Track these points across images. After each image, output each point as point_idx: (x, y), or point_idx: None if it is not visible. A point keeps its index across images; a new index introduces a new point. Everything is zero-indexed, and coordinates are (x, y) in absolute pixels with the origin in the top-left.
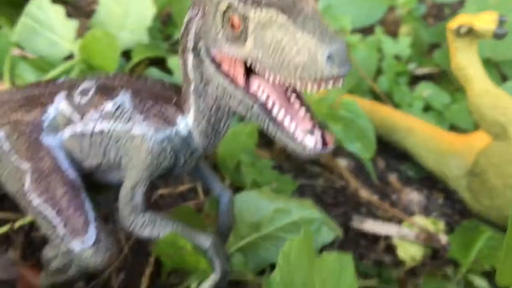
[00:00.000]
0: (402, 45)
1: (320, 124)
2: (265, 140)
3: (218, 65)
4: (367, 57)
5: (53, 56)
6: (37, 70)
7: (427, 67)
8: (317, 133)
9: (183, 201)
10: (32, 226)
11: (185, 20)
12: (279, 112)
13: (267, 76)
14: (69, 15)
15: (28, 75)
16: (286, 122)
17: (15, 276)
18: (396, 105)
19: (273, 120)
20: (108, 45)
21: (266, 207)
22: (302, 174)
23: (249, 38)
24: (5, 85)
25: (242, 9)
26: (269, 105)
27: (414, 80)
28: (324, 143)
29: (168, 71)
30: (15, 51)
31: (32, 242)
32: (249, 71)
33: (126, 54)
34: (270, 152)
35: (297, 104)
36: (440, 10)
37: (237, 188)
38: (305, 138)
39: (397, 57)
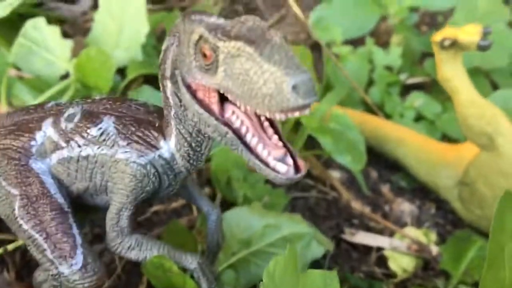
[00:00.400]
0: (393, 55)
1: (292, 151)
2: None
3: (193, 93)
4: (358, 69)
5: (50, 75)
6: (33, 90)
7: (419, 76)
8: (289, 159)
9: (177, 217)
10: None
11: (163, 48)
12: (252, 139)
13: (238, 105)
14: (67, 33)
15: (25, 95)
16: (259, 149)
17: None
18: (388, 116)
19: (247, 146)
20: (103, 64)
21: (256, 223)
22: (294, 187)
23: (220, 68)
24: (2, 106)
25: (212, 40)
26: (243, 132)
27: (406, 89)
28: (297, 170)
29: None
30: (12, 72)
31: (28, 263)
32: (223, 98)
33: (121, 72)
34: None
35: (270, 131)
36: (433, 18)
37: (229, 203)
38: (277, 165)
39: (388, 68)
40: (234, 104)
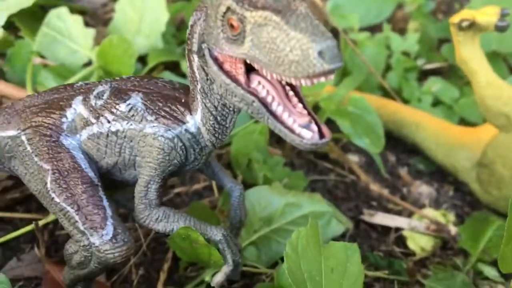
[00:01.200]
0: (410, 41)
1: (316, 119)
2: (276, 138)
3: (220, 65)
4: (376, 54)
5: (73, 63)
6: (57, 77)
7: (436, 62)
8: (314, 126)
9: (199, 198)
10: (56, 225)
11: (190, 23)
12: (277, 107)
13: (265, 73)
14: (87, 24)
15: (50, 82)
16: (285, 117)
17: (41, 272)
18: (405, 101)
19: (272, 114)
20: (125, 51)
21: (277, 202)
22: (313, 170)
23: (247, 38)
24: (27, 93)
25: (240, 11)
26: (269, 100)
27: (423, 75)
28: (322, 136)
29: (182, 75)
30: (37, 60)
31: (56, 241)
32: (249, 69)
33: (142, 59)
34: (281, 150)
35: (294, 99)
36: (449, 6)
37: (249, 185)
38: (302, 131)
39: (406, 53)
40: (260, 75)
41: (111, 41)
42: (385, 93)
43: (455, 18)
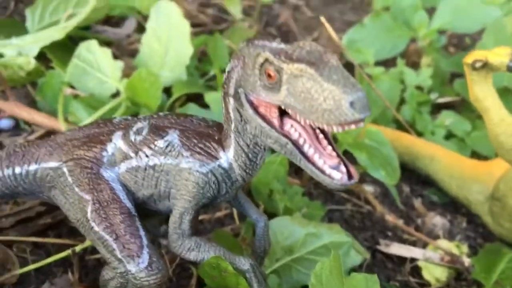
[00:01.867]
0: (423, 76)
1: (344, 160)
2: (294, 168)
3: (255, 108)
4: (391, 88)
5: (102, 94)
6: (87, 107)
7: (448, 96)
8: (343, 167)
9: (220, 226)
10: (86, 250)
11: (227, 69)
12: (309, 149)
13: (298, 119)
14: (113, 55)
15: (80, 112)
16: (316, 158)
17: None
18: (419, 134)
19: (304, 156)
20: (152, 84)
21: (298, 232)
22: (330, 200)
23: (283, 87)
24: (59, 122)
25: (277, 62)
26: (301, 143)
27: (436, 108)
28: (350, 176)
29: (205, 105)
30: (68, 90)
31: (86, 265)
32: (282, 113)
33: (166, 91)
34: (299, 180)
35: (324, 142)
36: (460, 39)
37: (270, 214)
38: (332, 172)
39: (419, 87)
40: (292, 119)
41: (140, 74)
42: (400, 126)
43: (468, 59)
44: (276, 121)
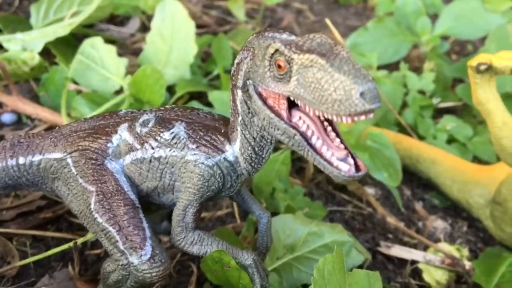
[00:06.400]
0: (426, 80)
1: (352, 153)
2: (296, 169)
3: (264, 100)
4: (393, 92)
5: (105, 90)
6: (91, 103)
7: (450, 101)
8: (350, 159)
9: (221, 224)
10: (85, 244)
11: (236, 61)
12: (317, 141)
13: (308, 110)
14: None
15: (83, 108)
16: (323, 150)
17: None
18: (421, 137)
19: (312, 148)
20: (156, 81)
21: (300, 230)
22: (331, 201)
23: (293, 78)
24: (62, 116)
25: (288, 53)
26: (309, 134)
27: (438, 113)
28: (357, 169)
29: (208, 104)
30: (71, 86)
31: (85, 260)
32: (290, 105)
33: (169, 89)
34: (301, 180)
35: (332, 134)
36: (463, 46)
37: (272, 213)
38: (340, 164)
39: (422, 92)
40: (300, 111)
41: (144, 71)
42: (401, 129)
43: (473, 62)
44: (284, 113)
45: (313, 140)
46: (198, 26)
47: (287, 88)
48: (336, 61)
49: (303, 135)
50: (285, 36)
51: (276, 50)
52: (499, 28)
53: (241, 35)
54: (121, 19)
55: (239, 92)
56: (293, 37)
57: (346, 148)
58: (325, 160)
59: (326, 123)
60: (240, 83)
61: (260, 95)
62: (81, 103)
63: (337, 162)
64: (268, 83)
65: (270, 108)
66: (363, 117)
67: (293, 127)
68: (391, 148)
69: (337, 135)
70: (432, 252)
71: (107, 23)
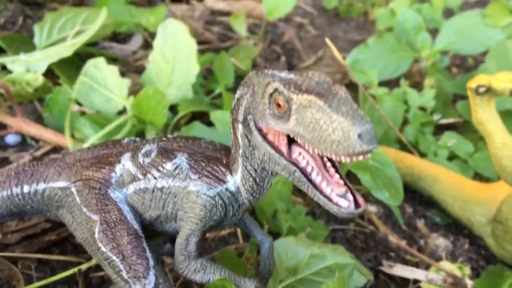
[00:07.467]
0: (426, 97)
1: (352, 189)
2: (298, 188)
3: (264, 136)
4: (394, 109)
5: (108, 111)
6: (94, 124)
7: (451, 117)
8: (350, 196)
9: (224, 244)
10: (90, 267)
11: (236, 96)
12: (317, 177)
13: (307, 148)
14: (119, 70)
15: (87, 130)
16: (323, 186)
17: None
18: (422, 154)
19: (312, 183)
20: (158, 102)
21: (302, 253)
22: (333, 219)
23: (292, 117)
24: (66, 138)
25: (287, 93)
26: (308, 170)
27: (439, 129)
28: (357, 205)
29: (210, 123)
30: (74, 107)
31: (90, 283)
32: (290, 140)
33: (172, 108)
34: (303, 198)
35: (332, 170)
36: (463, 60)
37: (274, 234)
38: (339, 200)
39: (422, 108)
40: (300, 146)
41: (147, 92)
42: (403, 146)
43: (472, 83)
44: (284, 149)
45: (313, 176)
46: (200, 43)
47: (287, 126)
48: (334, 101)
49: (303, 171)
50: (284, 74)
51: (275, 90)
52: (499, 44)
53: (243, 51)
54: (123, 36)
55: (240, 126)
56: (292, 75)
57: (345, 184)
58: (325, 196)
59: (325, 159)
60: (240, 117)
61: (260, 130)
62: (85, 124)
63: (337, 198)
64: (268, 121)
65: (270, 143)
66: (361, 157)
67: (293, 163)
68: (392, 167)
69: (337, 171)
70: (434, 271)
71: (109, 41)
